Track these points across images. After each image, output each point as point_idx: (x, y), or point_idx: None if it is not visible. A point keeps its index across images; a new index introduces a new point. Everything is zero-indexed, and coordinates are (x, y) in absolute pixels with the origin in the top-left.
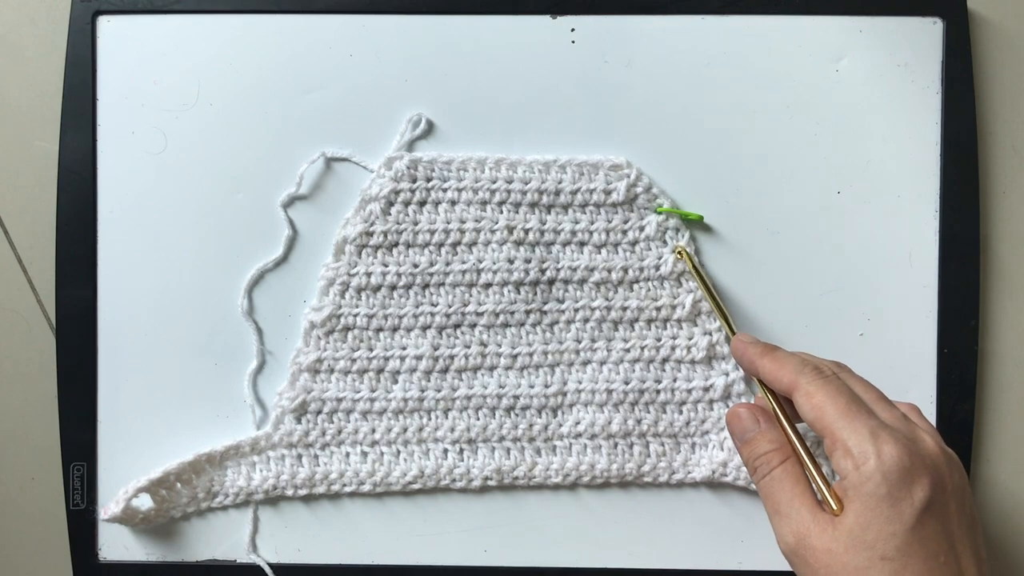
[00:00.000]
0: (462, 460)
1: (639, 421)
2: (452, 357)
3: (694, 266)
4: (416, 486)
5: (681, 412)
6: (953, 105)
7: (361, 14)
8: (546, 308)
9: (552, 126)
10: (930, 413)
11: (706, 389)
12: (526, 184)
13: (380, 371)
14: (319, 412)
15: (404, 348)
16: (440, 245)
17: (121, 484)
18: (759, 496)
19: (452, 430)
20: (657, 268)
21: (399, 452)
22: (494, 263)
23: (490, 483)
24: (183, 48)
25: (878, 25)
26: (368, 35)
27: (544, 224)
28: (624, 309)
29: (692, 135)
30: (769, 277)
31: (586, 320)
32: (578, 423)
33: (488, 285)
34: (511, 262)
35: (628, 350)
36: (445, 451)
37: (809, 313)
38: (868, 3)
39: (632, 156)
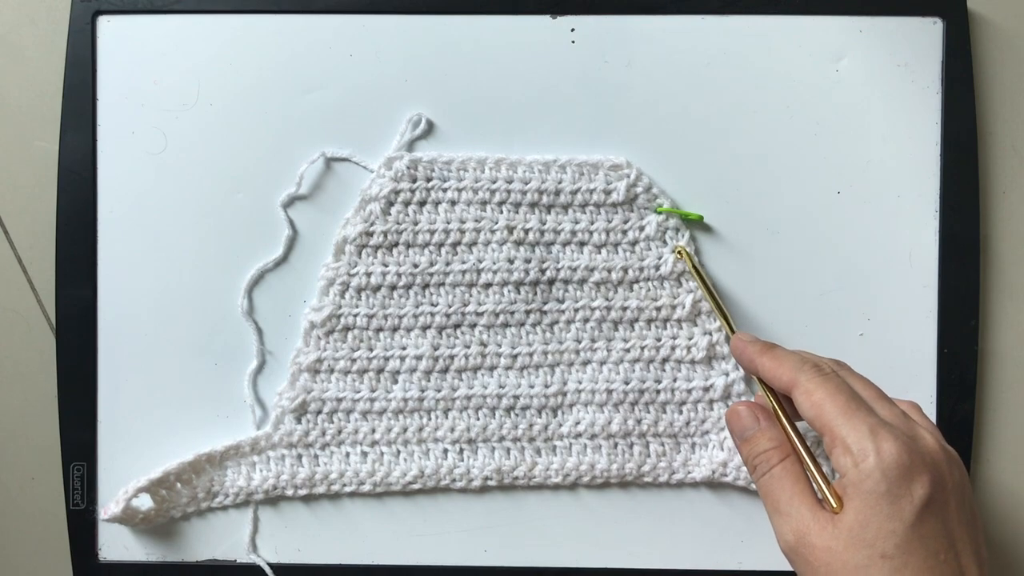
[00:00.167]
0: (462, 460)
1: (639, 421)
2: (452, 357)
3: (694, 266)
4: (416, 486)
5: (681, 412)
6: (953, 105)
7: (361, 14)
8: (546, 308)
9: (552, 126)
10: (930, 413)
11: (706, 389)
12: (526, 184)
13: (380, 371)
14: (319, 412)
15: (404, 348)
16: (440, 245)
17: (121, 484)
18: (759, 495)
19: (452, 430)
20: (657, 268)
21: (399, 452)
22: (494, 263)
23: (490, 483)
24: (183, 48)
25: (878, 25)
26: (368, 35)
27: (544, 224)
28: (624, 309)
29: (692, 135)
30: (769, 277)
31: (586, 320)
32: (578, 423)
33: (488, 285)
34: (511, 262)
35: (628, 350)
36: (445, 451)
37: (809, 313)
38: (868, 3)
39: (632, 156)
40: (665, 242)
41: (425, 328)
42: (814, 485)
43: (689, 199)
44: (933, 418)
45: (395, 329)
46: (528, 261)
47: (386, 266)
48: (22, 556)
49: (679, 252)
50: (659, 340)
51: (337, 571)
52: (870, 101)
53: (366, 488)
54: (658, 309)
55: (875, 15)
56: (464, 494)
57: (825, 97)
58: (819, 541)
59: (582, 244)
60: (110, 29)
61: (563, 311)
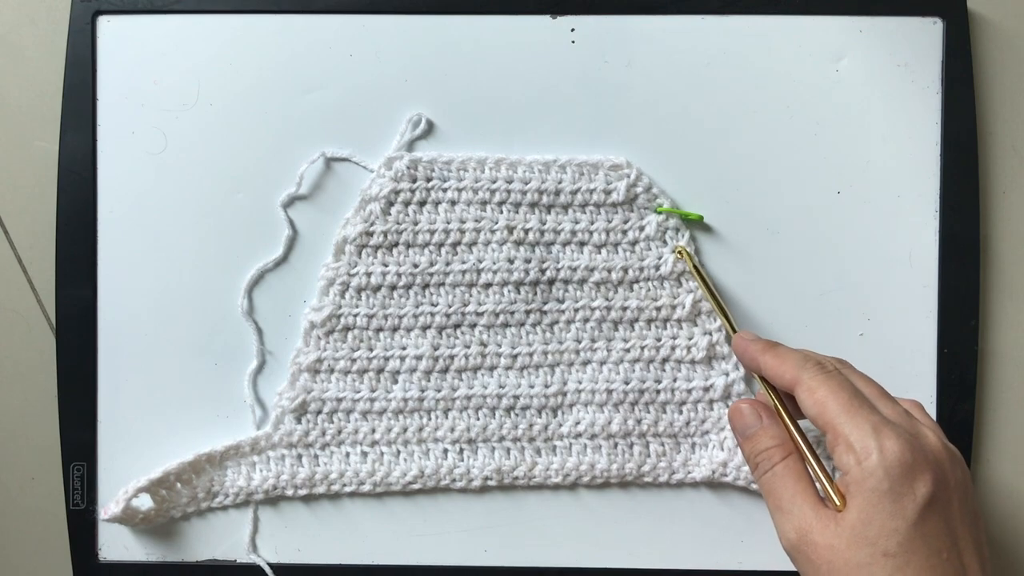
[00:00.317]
0: (462, 460)
1: (639, 421)
2: (452, 357)
3: (694, 266)
4: (416, 486)
5: (681, 412)
6: (953, 105)
7: (361, 14)
8: (546, 308)
9: (552, 126)
10: (930, 413)
11: (706, 389)
12: (526, 184)
13: (380, 371)
14: (319, 412)
15: (404, 348)
16: (440, 245)
17: (121, 484)
18: (760, 494)
19: (452, 430)
20: (657, 268)
21: (399, 452)
22: (494, 263)
23: (490, 483)
24: (183, 48)
25: (878, 25)
26: (368, 35)
27: (544, 224)
28: (624, 309)
29: (692, 135)
30: (769, 277)
31: (586, 320)
32: (578, 423)
33: (488, 285)
34: (511, 262)
35: (628, 350)
36: (445, 451)
37: (809, 313)
38: (868, 3)
39: (632, 156)
40: (665, 242)
41: (425, 328)
42: (816, 483)
43: (689, 199)
44: (933, 418)
45: (395, 329)
46: (528, 261)
47: (386, 266)
48: (22, 556)
49: (679, 252)
50: (659, 340)
51: (337, 571)
52: (870, 101)
53: (366, 488)
54: (658, 309)
55: (875, 15)
56: (464, 494)
57: (825, 97)
58: (821, 539)
59: (582, 244)
60: (110, 29)
61: (563, 311)
